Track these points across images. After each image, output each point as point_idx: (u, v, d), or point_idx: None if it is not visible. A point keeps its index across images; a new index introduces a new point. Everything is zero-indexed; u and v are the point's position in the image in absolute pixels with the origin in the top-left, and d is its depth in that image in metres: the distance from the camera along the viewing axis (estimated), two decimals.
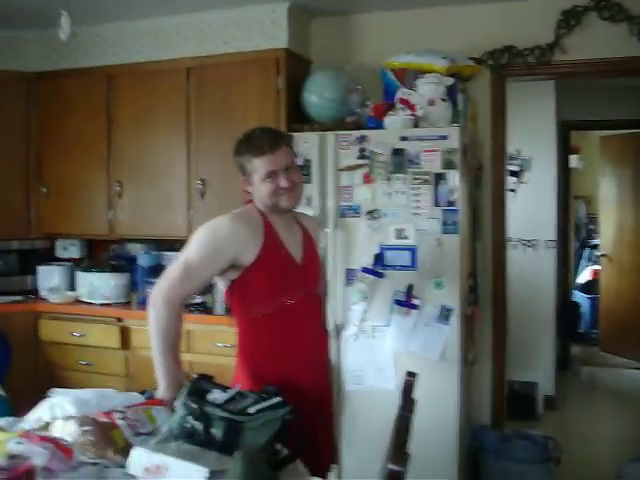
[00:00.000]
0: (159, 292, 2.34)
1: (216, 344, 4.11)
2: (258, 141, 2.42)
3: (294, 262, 2.46)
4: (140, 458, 2.03)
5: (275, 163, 2.38)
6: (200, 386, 2.51)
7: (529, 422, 5.05)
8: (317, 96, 4.05)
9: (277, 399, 2.48)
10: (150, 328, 2.33)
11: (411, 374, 2.23)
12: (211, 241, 2.36)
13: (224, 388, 2.53)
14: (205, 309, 4.25)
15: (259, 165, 2.39)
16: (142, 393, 2.73)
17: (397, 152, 3.60)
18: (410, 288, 3.57)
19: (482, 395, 4.26)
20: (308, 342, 2.52)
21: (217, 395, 2.43)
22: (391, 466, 1.62)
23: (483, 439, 3.91)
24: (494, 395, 4.30)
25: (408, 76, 3.91)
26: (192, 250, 2.36)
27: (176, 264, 2.37)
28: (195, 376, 2.48)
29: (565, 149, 6.84)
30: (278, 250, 2.42)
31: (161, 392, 2.33)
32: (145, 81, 4.57)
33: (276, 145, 2.40)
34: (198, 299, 4.30)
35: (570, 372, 6.67)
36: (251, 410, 2.34)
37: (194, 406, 2.31)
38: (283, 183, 2.38)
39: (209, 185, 4.41)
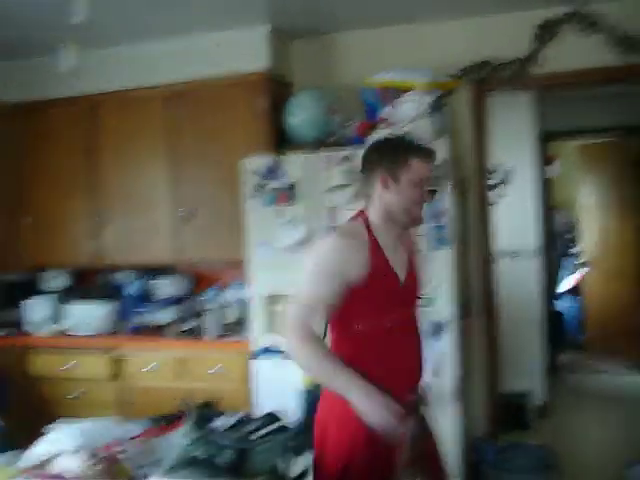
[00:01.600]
0: (293, 336, 2.18)
1: (208, 370, 4.07)
2: (422, 146, 2.34)
3: (398, 283, 2.35)
4: None
5: (429, 172, 2.32)
6: (203, 414, 2.50)
7: (522, 431, 5.06)
8: (300, 117, 4.06)
9: (280, 423, 2.48)
10: (311, 369, 2.22)
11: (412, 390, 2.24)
12: (321, 267, 2.26)
13: (227, 415, 2.53)
14: (195, 335, 4.21)
15: (417, 168, 2.28)
16: (157, 420, 2.71)
17: None
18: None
19: (476, 408, 4.27)
20: (404, 361, 2.39)
21: (221, 422, 2.43)
22: None
23: (482, 452, 3.91)
24: (489, 407, 4.31)
25: (389, 94, 3.94)
26: (306, 283, 2.26)
27: (297, 301, 2.24)
28: (196, 404, 2.47)
29: (544, 159, 6.91)
30: (384, 271, 2.31)
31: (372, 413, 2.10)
32: (126, 108, 4.56)
33: (434, 157, 2.36)
34: (188, 325, 4.29)
35: (558, 379, 6.70)
36: (256, 435, 2.34)
37: (199, 434, 2.31)
38: (426, 193, 2.32)
39: (194, 210, 4.40)
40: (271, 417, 2.59)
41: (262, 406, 3.73)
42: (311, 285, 2.22)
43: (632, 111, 4.41)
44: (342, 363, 2.15)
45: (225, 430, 2.40)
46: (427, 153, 2.33)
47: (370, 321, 2.30)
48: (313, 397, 3.62)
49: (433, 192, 2.55)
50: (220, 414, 2.52)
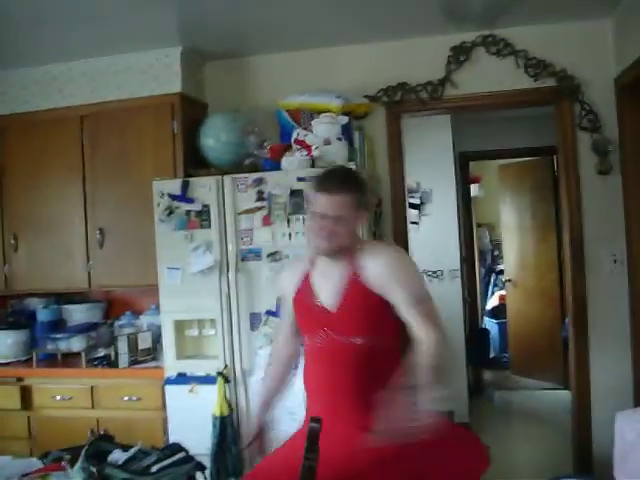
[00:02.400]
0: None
1: (122, 398, 3.97)
2: (326, 179, 2.48)
3: (319, 308, 2.46)
4: None
5: (322, 206, 2.38)
6: (100, 447, 2.42)
7: None
8: (214, 140, 4.02)
9: (181, 454, 2.42)
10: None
11: (315, 419, 2.18)
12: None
13: (125, 447, 2.46)
14: (109, 362, 4.10)
15: (314, 200, 2.44)
16: (44, 457, 2.61)
17: (295, 193, 3.59)
18: None
19: None
20: (325, 389, 2.44)
21: (117, 455, 2.36)
22: None
23: None
24: None
25: (303, 116, 3.95)
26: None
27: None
28: (93, 437, 2.39)
29: (465, 179, 7.02)
30: (305, 294, 2.51)
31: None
32: (37, 130, 4.44)
33: (335, 191, 2.37)
34: (101, 352, 4.17)
35: (483, 397, 6.76)
36: (153, 469, 2.28)
37: (93, 469, 2.23)
38: (322, 228, 2.38)
39: (108, 234, 4.30)
40: (174, 447, 2.52)
41: (175, 434, 3.65)
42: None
43: (548, 133, 4.50)
44: None
45: (124, 463, 2.32)
46: (326, 188, 2.39)
47: (302, 339, 2.58)
48: (223, 424, 3.58)
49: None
50: (119, 446, 2.43)
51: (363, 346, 2.38)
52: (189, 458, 2.44)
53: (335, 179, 2.46)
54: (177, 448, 2.50)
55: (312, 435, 2.14)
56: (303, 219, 3.56)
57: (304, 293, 2.51)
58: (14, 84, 4.48)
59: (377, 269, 2.39)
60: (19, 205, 4.51)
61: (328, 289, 2.44)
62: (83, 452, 2.30)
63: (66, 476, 2.27)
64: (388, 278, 2.37)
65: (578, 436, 4.18)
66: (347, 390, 2.38)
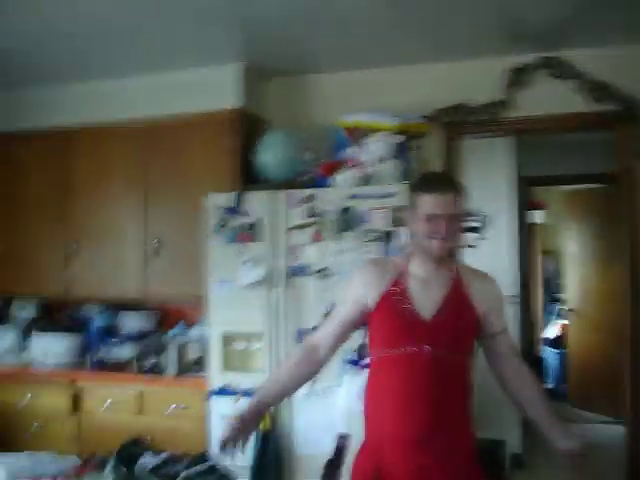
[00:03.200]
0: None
1: (169, 406, 4.01)
2: (432, 180, 2.45)
3: (415, 315, 2.32)
4: None
5: (438, 206, 2.30)
6: (131, 450, 2.46)
7: None
8: (271, 156, 4.05)
9: (208, 464, 2.44)
10: None
11: (343, 436, 2.17)
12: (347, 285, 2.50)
13: (156, 452, 2.49)
14: (156, 372, 4.15)
15: (424, 202, 2.32)
16: (90, 458, 2.67)
17: (346, 210, 3.59)
18: (361, 347, 3.52)
19: None
20: (403, 404, 2.29)
21: (148, 459, 2.39)
22: None
23: None
24: None
25: (359, 135, 3.94)
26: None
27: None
28: (126, 441, 2.43)
29: (526, 204, 6.89)
30: (398, 299, 2.34)
31: None
32: (99, 142, 4.58)
33: (446, 190, 2.33)
34: (149, 361, 4.23)
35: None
36: (182, 475, 2.30)
37: (124, 471, 2.27)
38: (440, 228, 2.30)
39: (164, 244, 4.38)
40: (202, 457, 2.54)
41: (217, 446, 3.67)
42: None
43: (613, 159, 4.40)
44: None
45: (153, 467, 2.35)
46: (439, 187, 2.33)
47: (380, 349, 2.36)
48: (265, 438, 3.58)
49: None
50: (150, 451, 2.46)
51: (450, 361, 2.31)
52: (214, 469, 2.45)
53: (444, 179, 2.55)
54: (205, 458, 2.52)
55: (340, 450, 2.14)
56: (353, 237, 3.56)
57: (396, 298, 2.35)
58: (81, 97, 4.64)
59: (489, 293, 2.41)
60: (81, 214, 4.64)
61: (428, 296, 2.35)
62: (115, 455, 2.33)
63: (99, 477, 2.32)
64: (497, 304, 2.42)
65: (630, 470, 4.04)
66: (427, 404, 2.27)
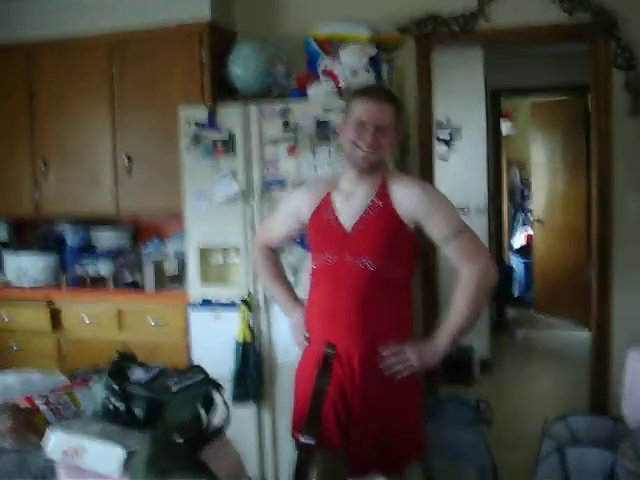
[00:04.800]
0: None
1: (149, 322, 4.06)
2: (370, 89, 2.56)
3: (336, 226, 2.41)
4: (58, 441, 2.01)
5: (369, 114, 2.32)
6: (122, 365, 2.49)
7: (465, 386, 5.15)
8: (242, 68, 3.98)
9: (201, 376, 2.48)
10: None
11: (331, 346, 2.23)
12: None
13: (147, 367, 2.52)
14: (135, 287, 4.19)
15: (356, 109, 2.35)
16: (72, 375, 2.70)
17: (321, 124, 3.57)
18: None
19: None
20: (322, 308, 2.42)
21: (139, 374, 2.42)
22: (302, 439, 1.64)
23: None
24: None
25: (332, 46, 3.88)
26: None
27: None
28: (117, 356, 2.46)
29: (496, 115, 6.92)
30: (323, 212, 2.46)
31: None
32: (66, 56, 4.43)
33: (380, 99, 2.34)
34: (128, 277, 4.26)
35: (506, 335, 6.81)
36: (174, 389, 2.33)
37: (116, 386, 2.29)
38: (367, 137, 2.31)
39: (136, 161, 4.33)
40: (195, 369, 2.58)
41: (199, 358, 3.74)
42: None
43: (582, 71, 4.41)
44: None
45: (145, 382, 2.39)
46: (372, 96, 2.35)
47: (312, 259, 2.50)
48: (245, 350, 3.66)
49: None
50: (141, 366, 2.50)
51: (372, 270, 2.32)
52: (208, 379, 2.49)
53: (379, 89, 2.66)
54: (197, 370, 2.56)
55: (327, 360, 2.20)
56: (329, 151, 3.56)
57: (323, 211, 2.46)
58: (45, 9, 4.45)
59: (411, 199, 2.34)
60: (49, 131, 4.54)
61: (350, 208, 2.41)
62: (107, 370, 2.36)
63: (90, 393, 2.35)
64: (424, 209, 2.32)
65: (595, 374, 4.20)
66: (349, 312, 2.33)
